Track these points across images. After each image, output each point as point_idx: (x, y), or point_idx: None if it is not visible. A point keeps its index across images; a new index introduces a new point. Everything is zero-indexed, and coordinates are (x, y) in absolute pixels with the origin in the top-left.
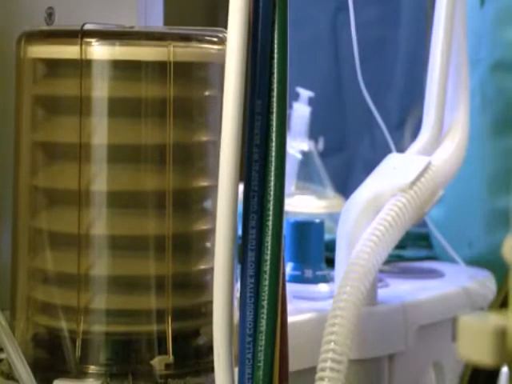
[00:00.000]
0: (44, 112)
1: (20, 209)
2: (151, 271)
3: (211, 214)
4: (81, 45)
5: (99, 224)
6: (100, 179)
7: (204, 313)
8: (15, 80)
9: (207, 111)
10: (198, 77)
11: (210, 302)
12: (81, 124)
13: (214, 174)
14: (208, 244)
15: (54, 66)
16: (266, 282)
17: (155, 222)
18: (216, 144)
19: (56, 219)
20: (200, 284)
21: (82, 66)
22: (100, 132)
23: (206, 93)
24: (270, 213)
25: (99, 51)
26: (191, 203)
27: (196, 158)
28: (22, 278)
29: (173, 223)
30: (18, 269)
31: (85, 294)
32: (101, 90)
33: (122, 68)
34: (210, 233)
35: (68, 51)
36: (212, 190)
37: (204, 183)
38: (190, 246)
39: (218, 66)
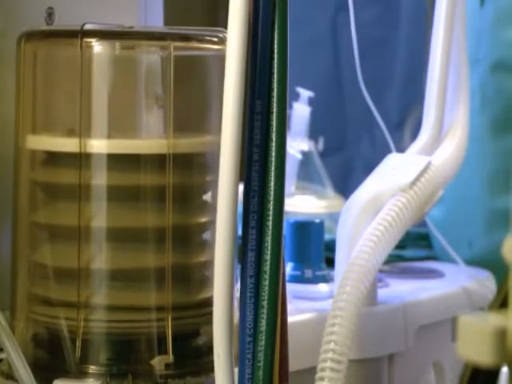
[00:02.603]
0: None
1: (19, 248)
2: (151, 300)
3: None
4: (81, 44)
5: (99, 259)
6: (99, 258)
7: (204, 312)
8: (14, 168)
9: (206, 194)
10: (197, 165)
11: (211, 302)
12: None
13: (212, 247)
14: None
15: (53, 157)
16: (266, 282)
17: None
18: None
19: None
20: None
21: (82, 159)
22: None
23: (206, 178)
24: (270, 213)
25: (98, 146)
26: (192, 238)
27: (195, 236)
28: (22, 277)
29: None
30: (18, 268)
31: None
32: (100, 179)
33: (121, 161)
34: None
35: (66, 144)
36: (210, 264)
37: (203, 258)
38: (190, 277)
39: (215, 154)
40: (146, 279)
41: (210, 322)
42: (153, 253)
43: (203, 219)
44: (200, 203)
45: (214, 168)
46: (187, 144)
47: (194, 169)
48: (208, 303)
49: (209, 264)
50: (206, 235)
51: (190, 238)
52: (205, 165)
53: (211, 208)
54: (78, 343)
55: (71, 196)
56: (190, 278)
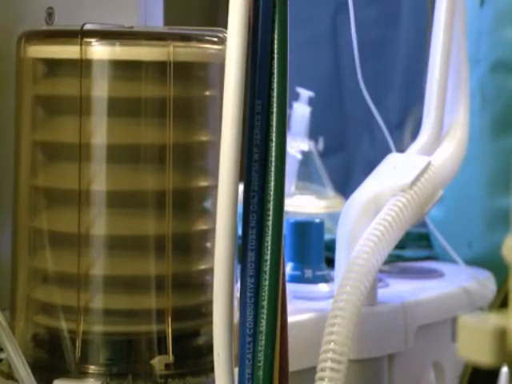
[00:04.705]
0: (44, 112)
1: (20, 209)
2: (151, 271)
3: (211, 214)
4: (81, 45)
5: (99, 224)
6: (100, 179)
7: (204, 313)
8: (15, 80)
9: (207, 111)
10: (198, 77)
11: (210, 302)
12: (81, 123)
13: (214, 173)
14: (208, 244)
15: (54, 66)
16: (266, 282)
17: (155, 222)
18: (216, 144)
19: (56, 219)
20: (200, 284)
21: (82, 66)
22: (100, 132)
23: (206, 93)
24: (270, 213)
25: (99, 51)
26: (191, 203)
27: (196, 158)
28: (22, 277)
29: (173, 223)
30: (17, 269)
31: (84, 293)
32: (101, 89)
33: (122, 68)
34: (210, 233)
35: (68, 51)
36: (212, 190)
37: (204, 183)
38: (190, 246)
39: (217, 66)
40: (146, 247)
41: (210, 322)
42: (154, 173)
43: (205, 138)
44: (201, 120)
45: (216, 82)
46: (188, 52)
47: (194, 80)
48: (209, 282)
49: (211, 233)
50: (208, 160)
51: (191, 159)
52: (206, 77)
53: (212, 128)
54: (78, 343)
55: (72, 111)
56: (191, 206)
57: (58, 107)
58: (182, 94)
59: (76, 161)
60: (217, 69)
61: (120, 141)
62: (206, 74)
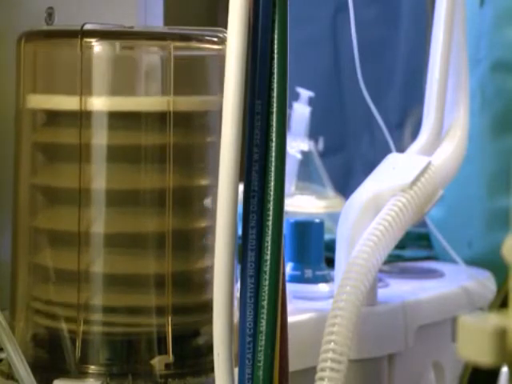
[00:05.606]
0: (44, 158)
1: (20, 249)
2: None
3: (210, 251)
4: (81, 45)
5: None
6: (99, 222)
7: (204, 312)
8: (14, 126)
9: (207, 157)
10: (198, 125)
11: (210, 301)
12: (80, 170)
13: (213, 213)
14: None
15: (54, 116)
16: (266, 282)
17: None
18: (215, 186)
19: (58, 258)
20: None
21: (82, 117)
22: (99, 177)
23: (206, 139)
24: (270, 213)
25: (99, 103)
26: (192, 243)
27: (195, 201)
28: (22, 277)
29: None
30: (17, 269)
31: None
32: (100, 138)
33: (121, 118)
34: (210, 230)
35: (68, 102)
36: (211, 229)
37: (203, 224)
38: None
39: (217, 113)
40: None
41: (210, 321)
42: (154, 216)
43: (205, 182)
44: (201, 166)
45: (215, 128)
46: (188, 102)
47: (194, 128)
48: (209, 300)
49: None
50: (207, 202)
51: (191, 203)
52: (206, 125)
53: (212, 173)
54: (78, 343)
55: (72, 158)
56: (191, 245)
57: (58, 154)
58: (182, 142)
59: (76, 203)
60: (216, 116)
61: (120, 186)
62: (206, 121)
